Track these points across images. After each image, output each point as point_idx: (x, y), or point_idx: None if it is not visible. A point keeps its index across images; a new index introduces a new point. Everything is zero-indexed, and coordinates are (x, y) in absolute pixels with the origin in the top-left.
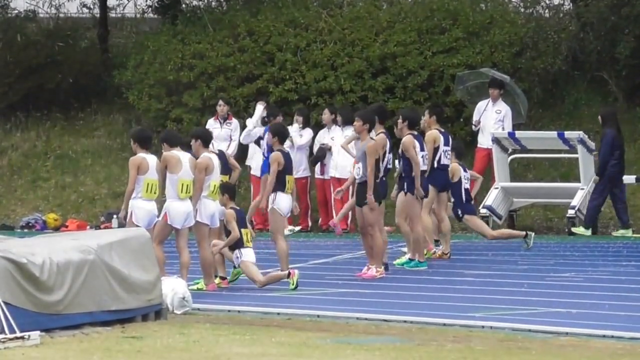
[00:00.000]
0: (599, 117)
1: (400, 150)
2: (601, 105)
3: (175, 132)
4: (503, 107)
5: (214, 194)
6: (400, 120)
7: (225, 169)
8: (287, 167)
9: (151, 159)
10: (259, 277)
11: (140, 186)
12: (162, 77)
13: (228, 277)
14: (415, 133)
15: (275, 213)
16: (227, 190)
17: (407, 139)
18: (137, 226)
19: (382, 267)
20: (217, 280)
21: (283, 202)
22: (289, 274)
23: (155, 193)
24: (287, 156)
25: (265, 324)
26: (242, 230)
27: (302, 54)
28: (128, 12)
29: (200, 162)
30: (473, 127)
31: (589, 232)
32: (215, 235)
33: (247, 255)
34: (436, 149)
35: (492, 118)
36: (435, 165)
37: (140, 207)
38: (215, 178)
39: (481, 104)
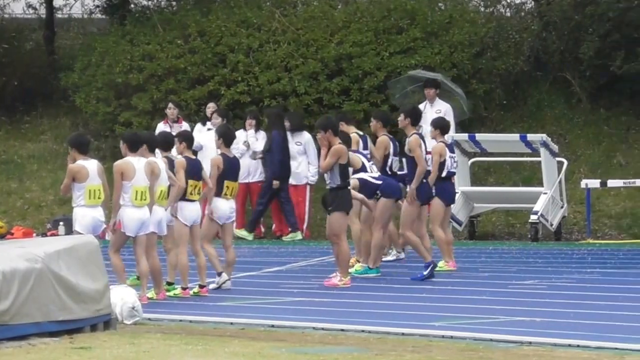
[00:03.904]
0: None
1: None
2: (265, 107)
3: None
4: (442, 106)
5: (161, 200)
6: (401, 118)
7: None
8: (227, 171)
9: (90, 165)
10: (181, 245)
11: (82, 194)
12: (110, 79)
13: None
14: (419, 132)
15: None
16: (185, 139)
17: (414, 138)
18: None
19: (348, 277)
20: (195, 289)
21: (220, 207)
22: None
23: (99, 198)
24: (231, 160)
25: (218, 334)
26: (190, 181)
27: (255, 55)
28: (75, 13)
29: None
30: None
31: (250, 237)
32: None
33: (182, 210)
34: (386, 156)
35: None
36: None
37: (84, 215)
38: (163, 184)
39: (420, 107)
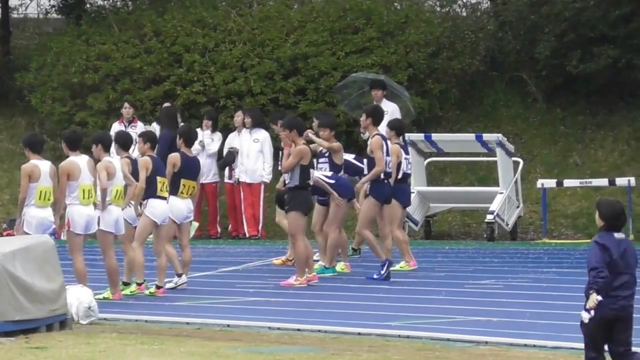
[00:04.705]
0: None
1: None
2: (161, 105)
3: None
4: (389, 106)
5: (118, 200)
6: (363, 118)
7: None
8: (183, 170)
9: (43, 165)
10: (138, 241)
11: (33, 195)
12: (65, 79)
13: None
14: (381, 133)
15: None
16: (149, 139)
17: (375, 139)
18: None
19: (303, 277)
20: (152, 289)
21: (177, 206)
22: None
23: (49, 200)
24: (189, 160)
25: (174, 334)
26: (158, 178)
27: (211, 54)
28: (31, 13)
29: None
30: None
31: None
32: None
33: (152, 207)
34: None
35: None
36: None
37: (33, 215)
38: (119, 183)
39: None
